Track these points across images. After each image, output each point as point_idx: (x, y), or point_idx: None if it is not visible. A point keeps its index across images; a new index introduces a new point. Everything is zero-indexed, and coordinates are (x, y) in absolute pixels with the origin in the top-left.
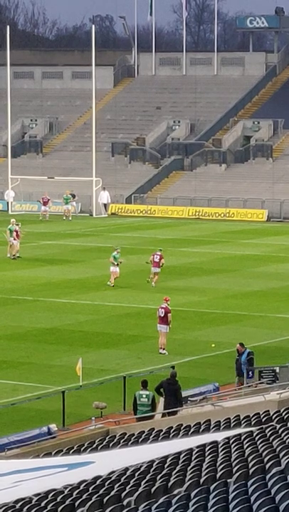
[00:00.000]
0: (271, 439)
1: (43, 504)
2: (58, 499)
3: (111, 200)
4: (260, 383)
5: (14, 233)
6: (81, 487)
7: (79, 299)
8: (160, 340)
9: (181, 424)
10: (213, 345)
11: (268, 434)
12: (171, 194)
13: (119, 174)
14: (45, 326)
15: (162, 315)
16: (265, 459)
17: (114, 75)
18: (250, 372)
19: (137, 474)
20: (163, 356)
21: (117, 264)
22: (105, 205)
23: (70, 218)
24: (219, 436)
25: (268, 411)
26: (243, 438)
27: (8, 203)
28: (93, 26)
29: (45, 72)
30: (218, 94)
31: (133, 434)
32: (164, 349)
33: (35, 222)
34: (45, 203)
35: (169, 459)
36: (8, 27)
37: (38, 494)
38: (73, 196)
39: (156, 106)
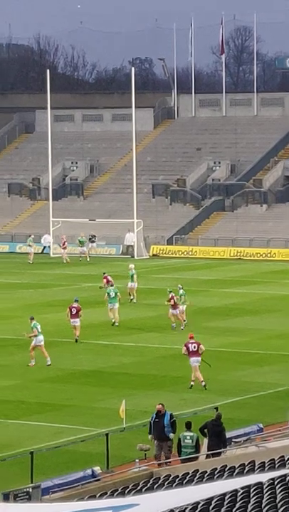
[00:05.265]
0: None
1: None
2: None
3: (152, 241)
4: None
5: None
6: None
7: (122, 341)
8: (197, 375)
9: (226, 466)
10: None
11: None
12: (213, 235)
13: (160, 215)
14: (87, 368)
15: (195, 349)
16: None
17: (154, 116)
18: None
19: None
20: (207, 397)
21: None
22: (132, 247)
23: (83, 259)
24: (264, 477)
25: None
26: (288, 479)
27: (46, 247)
28: (132, 69)
29: (85, 114)
30: (258, 134)
31: (177, 476)
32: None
33: (76, 264)
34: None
35: (214, 500)
36: (48, 71)
37: None
38: (93, 237)
39: (197, 147)
